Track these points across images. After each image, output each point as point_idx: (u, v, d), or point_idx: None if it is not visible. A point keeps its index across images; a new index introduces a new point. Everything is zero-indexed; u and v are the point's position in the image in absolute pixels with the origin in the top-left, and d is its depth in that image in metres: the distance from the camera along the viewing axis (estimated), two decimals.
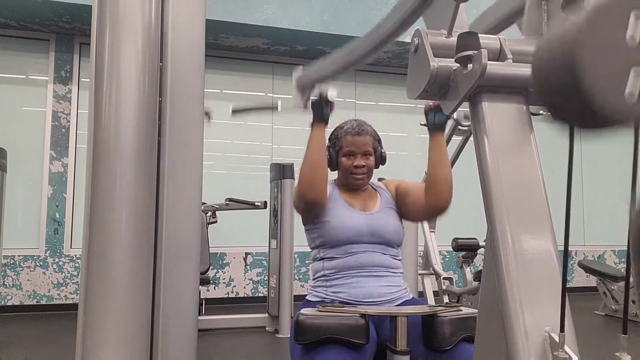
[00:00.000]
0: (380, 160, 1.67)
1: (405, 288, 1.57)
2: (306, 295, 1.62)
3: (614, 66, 0.38)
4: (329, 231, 1.54)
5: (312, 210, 1.55)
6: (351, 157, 1.61)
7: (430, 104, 1.56)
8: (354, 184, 1.62)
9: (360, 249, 1.52)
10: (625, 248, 0.49)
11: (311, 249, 1.65)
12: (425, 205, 1.54)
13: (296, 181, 1.57)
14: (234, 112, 1.53)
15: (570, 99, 0.39)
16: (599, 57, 0.37)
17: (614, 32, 0.37)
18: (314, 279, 1.61)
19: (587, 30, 0.37)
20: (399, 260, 1.59)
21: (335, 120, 1.62)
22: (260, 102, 1.66)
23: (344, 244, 1.52)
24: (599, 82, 0.37)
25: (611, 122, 0.39)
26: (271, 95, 5.71)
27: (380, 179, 1.82)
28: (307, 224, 1.63)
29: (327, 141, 1.61)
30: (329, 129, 1.61)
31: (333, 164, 1.64)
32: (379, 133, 1.69)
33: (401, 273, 1.59)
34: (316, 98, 1.52)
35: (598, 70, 0.37)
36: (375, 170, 1.67)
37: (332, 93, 1.49)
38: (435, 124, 1.55)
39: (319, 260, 1.58)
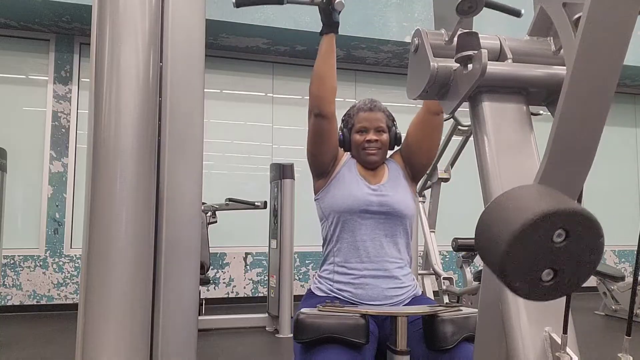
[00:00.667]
0: (395, 140, 1.63)
1: (413, 285, 1.54)
2: (312, 284, 1.60)
3: (535, 265, 0.44)
4: (337, 197, 1.52)
5: (320, 128, 1.50)
6: (364, 133, 1.58)
7: None
8: (367, 160, 1.58)
9: (369, 229, 1.49)
10: (625, 248, 0.50)
11: (321, 224, 1.61)
12: (421, 116, 1.53)
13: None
14: (238, 3, 1.48)
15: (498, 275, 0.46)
16: (521, 265, 0.43)
17: (539, 243, 0.43)
18: (322, 264, 1.58)
19: (513, 244, 0.42)
20: (407, 243, 1.56)
21: (338, 31, 1.56)
22: None
23: (352, 213, 1.50)
24: (519, 280, 0.44)
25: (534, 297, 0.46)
26: (271, 95, 5.71)
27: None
28: (319, 175, 1.59)
29: (335, 54, 1.53)
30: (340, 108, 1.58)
31: (347, 144, 1.62)
32: None
33: (409, 263, 1.56)
34: (324, 1, 1.43)
35: (519, 273, 0.44)
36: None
37: (338, 4, 1.40)
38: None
39: (329, 243, 1.56)
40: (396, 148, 1.68)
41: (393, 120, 1.65)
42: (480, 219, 0.48)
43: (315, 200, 1.63)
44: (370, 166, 1.60)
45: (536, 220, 0.42)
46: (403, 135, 1.65)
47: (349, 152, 1.66)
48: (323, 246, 1.61)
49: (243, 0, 1.47)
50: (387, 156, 1.69)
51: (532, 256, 0.43)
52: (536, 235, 0.42)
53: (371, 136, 1.57)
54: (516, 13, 1.36)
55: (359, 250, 1.50)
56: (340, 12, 1.46)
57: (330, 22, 1.46)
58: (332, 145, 1.55)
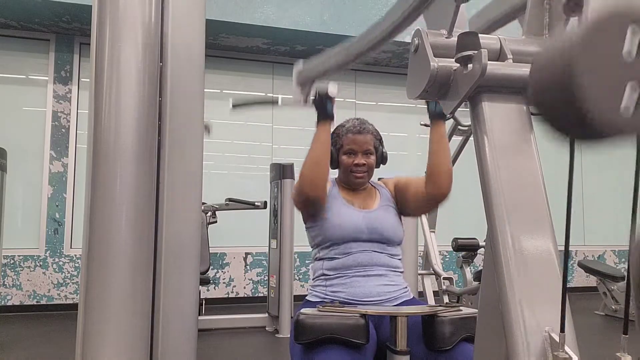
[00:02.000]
0: (382, 159, 1.67)
1: (406, 287, 1.57)
2: (306, 295, 1.62)
3: (610, 81, 0.38)
4: (327, 229, 1.54)
5: (311, 207, 1.56)
6: (352, 156, 1.60)
7: None
8: (354, 183, 1.62)
9: (358, 248, 1.52)
10: (626, 248, 0.50)
11: (312, 247, 1.65)
12: (425, 196, 1.53)
13: (296, 179, 1.56)
14: (234, 106, 1.52)
15: (566, 112, 0.39)
16: (595, 73, 0.38)
17: (610, 48, 0.38)
18: (313, 279, 1.61)
19: (583, 46, 0.37)
20: (399, 259, 1.59)
21: (335, 120, 1.62)
22: (261, 97, 1.67)
23: (343, 242, 1.52)
24: (595, 98, 0.38)
25: (607, 135, 0.39)
26: (271, 95, 5.71)
27: (379, 179, 1.82)
28: (307, 221, 1.63)
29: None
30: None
31: (334, 162, 1.64)
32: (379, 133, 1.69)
33: (401, 272, 1.58)
34: (317, 95, 1.50)
35: (594, 86, 0.38)
36: (375, 169, 1.67)
37: (332, 89, 1.47)
38: (435, 113, 1.54)
39: (319, 260, 1.58)
40: (382, 166, 1.70)
41: (380, 140, 1.68)
42: (536, 60, 0.42)
43: (306, 228, 1.65)
44: (355, 187, 1.64)
45: (604, 17, 0.37)
46: (388, 155, 1.69)
47: (331, 177, 1.68)
48: (313, 259, 1.63)
49: (239, 102, 1.52)
50: (378, 179, 1.75)
51: (605, 67, 0.37)
52: (606, 37, 0.37)
53: (359, 160, 1.59)
54: None
55: (349, 261, 1.52)
56: (334, 103, 1.52)
57: (325, 113, 1.51)
58: (322, 211, 1.57)
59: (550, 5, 0.71)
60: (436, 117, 1.54)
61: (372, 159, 1.62)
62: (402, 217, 1.66)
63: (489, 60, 0.65)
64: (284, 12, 4.89)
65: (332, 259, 1.54)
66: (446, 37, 0.75)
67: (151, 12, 1.44)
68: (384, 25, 0.99)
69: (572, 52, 0.37)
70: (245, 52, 5.57)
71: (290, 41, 5.25)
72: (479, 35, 0.69)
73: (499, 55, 0.74)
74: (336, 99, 1.51)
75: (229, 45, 5.38)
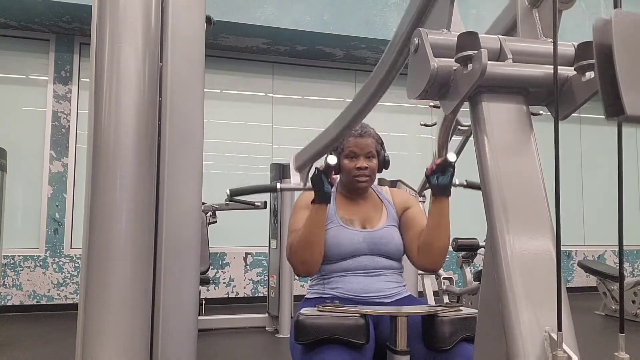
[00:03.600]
0: (384, 164, 1.64)
1: (403, 285, 1.57)
2: (305, 294, 1.62)
3: None
4: (325, 250, 1.52)
5: (308, 274, 1.54)
6: (354, 159, 1.59)
7: (430, 166, 1.46)
8: (356, 187, 1.60)
9: (358, 260, 1.53)
10: (625, 248, 0.50)
11: None
12: (416, 260, 1.53)
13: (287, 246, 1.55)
14: (232, 196, 1.53)
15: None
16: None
17: None
18: (311, 279, 1.61)
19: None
20: (399, 261, 1.59)
21: (330, 203, 1.60)
22: (259, 186, 1.65)
23: (340, 260, 1.52)
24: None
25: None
26: (271, 95, 5.71)
27: (379, 181, 1.81)
28: None
29: (327, 218, 1.53)
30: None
31: (336, 167, 1.64)
32: (379, 133, 1.68)
33: (400, 271, 1.58)
34: (315, 172, 1.45)
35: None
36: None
37: (331, 160, 1.41)
38: (439, 187, 1.45)
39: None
40: (384, 171, 1.68)
41: (382, 144, 1.66)
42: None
43: None
44: (358, 192, 1.62)
45: None
46: (392, 158, 1.66)
47: None
48: None
49: (237, 191, 1.53)
50: (390, 188, 1.72)
51: None
52: None
53: (361, 163, 1.57)
54: None
55: (347, 263, 1.53)
56: (333, 179, 1.47)
57: (322, 194, 1.45)
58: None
59: (538, 12, 0.72)
60: (439, 192, 1.45)
61: (374, 162, 1.60)
62: None
63: (489, 60, 0.65)
64: (284, 11, 4.89)
65: (328, 267, 1.54)
66: (446, 37, 0.75)
67: (151, 12, 1.44)
68: (367, 89, 1.01)
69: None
70: (245, 52, 5.57)
71: (290, 41, 5.25)
72: (479, 35, 0.69)
73: (499, 55, 0.74)
74: (334, 164, 1.44)
75: (229, 45, 5.38)
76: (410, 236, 1.56)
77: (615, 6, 0.50)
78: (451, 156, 1.41)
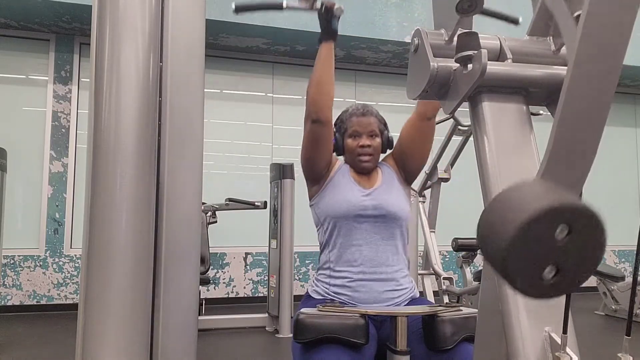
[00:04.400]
0: (388, 143, 1.64)
1: (410, 287, 1.54)
2: (309, 287, 1.60)
3: (537, 263, 0.43)
4: (332, 204, 1.52)
5: (317, 134, 1.49)
6: (357, 138, 1.58)
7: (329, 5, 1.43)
8: (360, 167, 1.59)
9: (364, 233, 1.49)
10: (625, 248, 0.50)
11: (317, 230, 1.61)
12: (416, 117, 1.53)
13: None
14: (237, 9, 1.47)
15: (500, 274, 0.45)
16: (523, 262, 0.43)
17: (541, 240, 0.42)
18: (319, 269, 1.59)
19: (515, 241, 0.42)
20: (405, 241, 1.56)
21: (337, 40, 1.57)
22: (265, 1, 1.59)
23: (346, 219, 1.50)
24: (521, 277, 0.43)
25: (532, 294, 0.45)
26: (271, 95, 5.71)
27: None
28: (312, 185, 1.59)
29: (334, 61, 1.52)
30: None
31: (339, 148, 1.62)
32: None
33: (407, 272, 1.56)
34: (324, 8, 1.42)
35: (521, 270, 0.43)
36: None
37: (340, 8, 1.40)
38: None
39: (325, 247, 1.56)
40: (388, 151, 1.68)
41: (385, 124, 1.66)
42: (482, 216, 0.47)
43: (310, 206, 1.63)
44: (364, 171, 1.61)
45: (538, 215, 0.41)
46: (395, 138, 1.65)
47: (342, 158, 1.67)
48: (320, 251, 1.61)
49: (243, 5, 1.47)
50: (380, 159, 1.69)
51: (534, 253, 0.42)
52: (538, 231, 0.42)
53: (364, 141, 1.57)
54: (514, 21, 1.36)
55: (354, 254, 1.50)
56: (339, 18, 1.45)
57: (329, 30, 1.46)
58: (327, 151, 1.55)
59: (554, 10, 0.71)
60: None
61: (378, 141, 1.60)
62: (410, 188, 1.65)
63: (489, 60, 0.65)
64: (284, 12, 4.89)
65: (337, 246, 1.52)
66: (444, 34, 0.75)
67: (151, 12, 1.44)
68: None
69: (507, 245, 0.42)
70: (245, 52, 5.57)
71: (290, 41, 5.25)
72: (479, 35, 0.69)
73: (499, 55, 0.74)
74: (341, 15, 1.43)
75: (229, 45, 5.38)
76: (404, 133, 1.58)
77: None
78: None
